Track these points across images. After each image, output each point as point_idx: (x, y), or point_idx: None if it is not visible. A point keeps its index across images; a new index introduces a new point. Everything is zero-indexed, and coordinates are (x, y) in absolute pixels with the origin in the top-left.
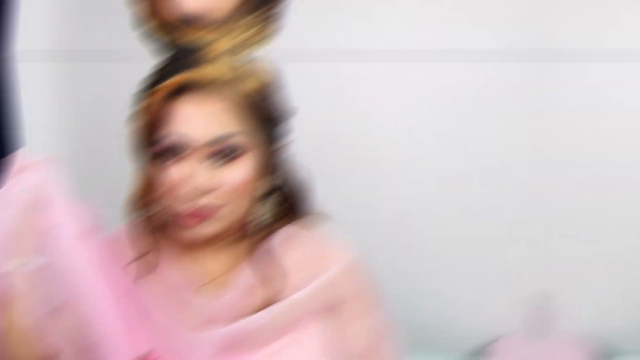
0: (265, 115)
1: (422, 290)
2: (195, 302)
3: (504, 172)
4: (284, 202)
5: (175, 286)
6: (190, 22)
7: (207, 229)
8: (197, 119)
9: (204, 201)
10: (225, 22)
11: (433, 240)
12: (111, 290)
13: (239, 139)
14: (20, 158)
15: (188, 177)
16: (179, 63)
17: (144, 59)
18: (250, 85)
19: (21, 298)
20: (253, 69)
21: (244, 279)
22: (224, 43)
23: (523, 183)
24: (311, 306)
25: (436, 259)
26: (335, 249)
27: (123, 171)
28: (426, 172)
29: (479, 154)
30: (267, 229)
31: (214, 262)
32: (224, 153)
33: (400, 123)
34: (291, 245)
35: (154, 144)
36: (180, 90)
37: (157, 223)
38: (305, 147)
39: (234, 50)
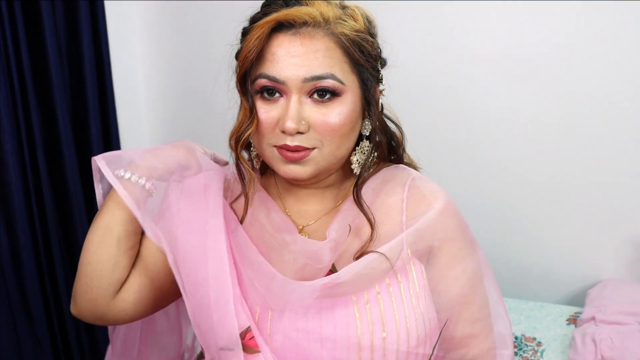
0: (363, 58)
1: (522, 236)
2: (294, 245)
3: (603, 117)
4: (380, 146)
5: (275, 228)
6: None
7: (303, 169)
8: (295, 58)
9: (298, 140)
10: None
11: (532, 185)
12: (215, 236)
13: (336, 80)
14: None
15: (284, 114)
16: (279, 2)
17: None
18: (348, 27)
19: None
20: (351, 12)
21: (341, 223)
22: None
23: (622, 128)
24: (410, 250)
25: (536, 204)
26: (432, 192)
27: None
28: (523, 118)
29: (576, 100)
30: (365, 173)
31: (314, 204)
32: (320, 93)
33: (498, 63)
34: (388, 189)
35: (254, 81)
36: (278, 29)
37: (257, 162)
38: (405, 90)
39: None
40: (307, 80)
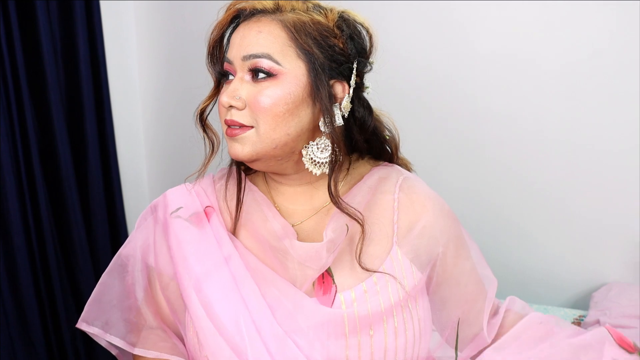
0: (314, 46)
1: (525, 238)
2: (292, 250)
3: (608, 118)
4: (355, 144)
5: (275, 237)
6: None
7: (241, 147)
8: (242, 41)
9: (235, 116)
10: None
11: (535, 186)
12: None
13: (271, 61)
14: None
15: (227, 92)
16: None
17: None
18: (304, 17)
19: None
20: (323, 10)
21: (337, 222)
22: None
23: (627, 129)
24: (409, 257)
25: (539, 206)
26: (423, 194)
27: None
28: (527, 119)
29: (581, 100)
30: (333, 173)
31: (302, 203)
32: (256, 72)
33: (502, 62)
34: (383, 188)
35: (217, 67)
36: (236, 18)
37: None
38: (408, 89)
39: None
40: (245, 58)
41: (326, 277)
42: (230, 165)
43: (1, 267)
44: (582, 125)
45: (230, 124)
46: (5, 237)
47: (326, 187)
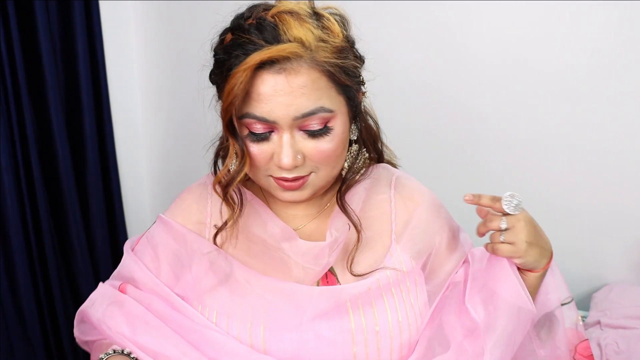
0: (348, 78)
1: None
2: (296, 249)
3: (607, 119)
4: (367, 146)
5: (275, 239)
6: None
7: (302, 193)
8: (283, 97)
9: (296, 172)
10: None
11: (536, 187)
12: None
13: (326, 112)
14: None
15: (279, 150)
16: (254, 32)
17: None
18: (329, 50)
19: None
20: (327, 23)
21: (340, 222)
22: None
23: (627, 129)
24: (410, 254)
25: (540, 206)
26: (416, 191)
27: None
28: (527, 120)
29: (581, 101)
30: (350, 177)
31: (302, 207)
32: (310, 130)
33: (498, 65)
34: (377, 188)
35: (241, 119)
36: (261, 66)
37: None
38: (403, 93)
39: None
40: (297, 118)
41: (330, 277)
42: (227, 191)
43: (0, 266)
44: (582, 126)
45: (293, 181)
46: (3, 238)
47: (329, 189)
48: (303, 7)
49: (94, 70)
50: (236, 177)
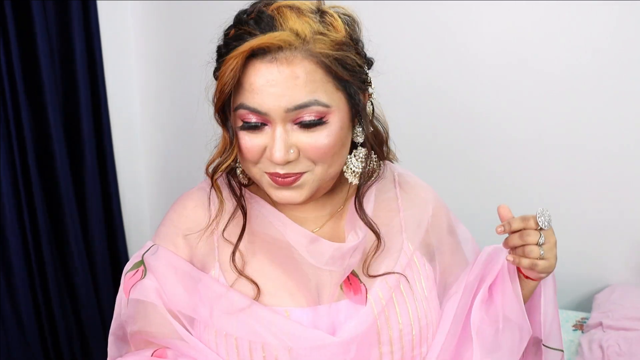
0: (347, 73)
1: None
2: (323, 251)
3: (610, 120)
4: (375, 149)
5: (284, 243)
6: None
7: (297, 193)
8: (275, 87)
9: (289, 167)
10: None
11: (538, 188)
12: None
13: (320, 105)
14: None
15: (272, 144)
16: (251, 23)
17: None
18: (328, 43)
19: None
20: (330, 19)
21: (356, 223)
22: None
23: (630, 131)
24: (422, 249)
25: (543, 205)
26: (420, 187)
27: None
28: (528, 121)
29: (583, 102)
30: (364, 182)
31: (313, 210)
32: (305, 121)
33: (499, 65)
34: (382, 187)
35: (235, 111)
36: (254, 55)
37: (244, 177)
38: (405, 94)
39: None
40: (290, 110)
41: (352, 279)
42: (214, 177)
43: None
44: (582, 126)
45: (286, 176)
46: (1, 240)
47: (338, 192)
48: (307, 4)
49: (92, 71)
50: (221, 164)
